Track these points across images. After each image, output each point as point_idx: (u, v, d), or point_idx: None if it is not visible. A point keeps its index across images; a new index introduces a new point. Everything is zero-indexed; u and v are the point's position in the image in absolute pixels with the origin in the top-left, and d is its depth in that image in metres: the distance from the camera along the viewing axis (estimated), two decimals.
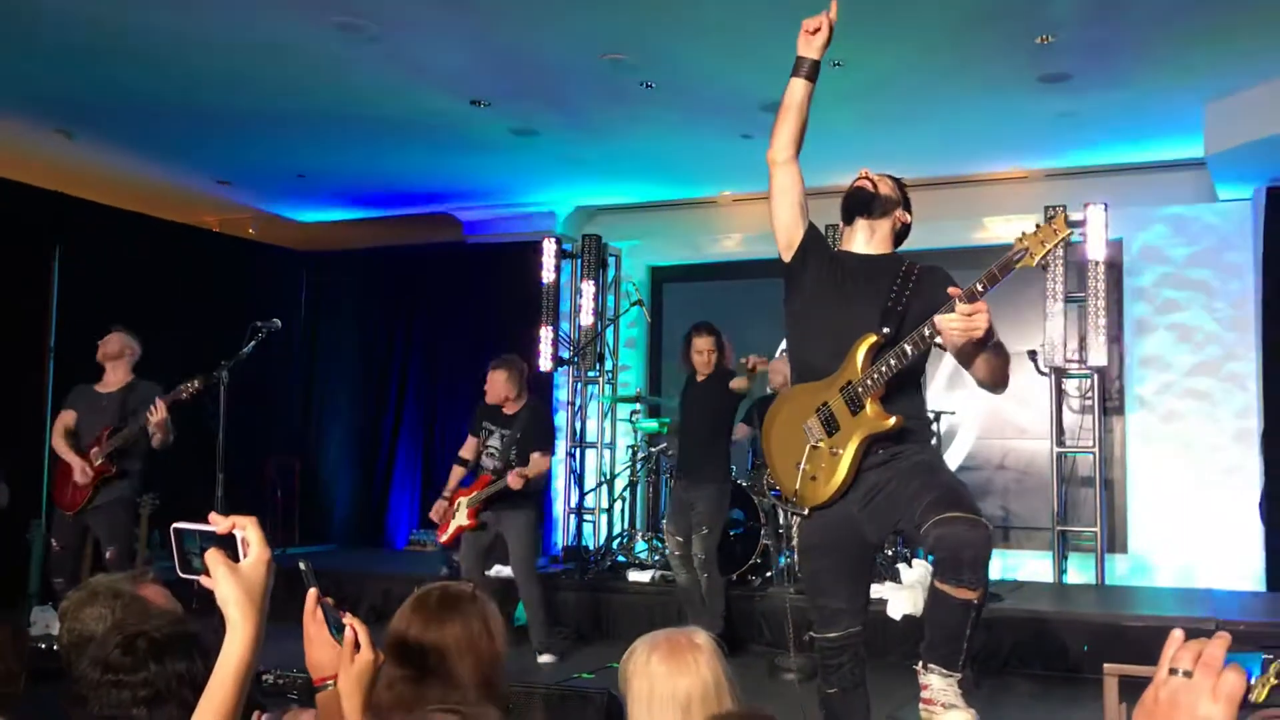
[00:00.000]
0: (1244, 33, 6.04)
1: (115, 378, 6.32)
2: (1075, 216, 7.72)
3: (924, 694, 3.10)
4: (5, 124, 7.75)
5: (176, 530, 1.62)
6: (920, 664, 3.12)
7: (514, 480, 5.97)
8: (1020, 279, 8.12)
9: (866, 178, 3.44)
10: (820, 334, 3.37)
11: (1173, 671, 1.17)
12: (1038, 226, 2.96)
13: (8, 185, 8.34)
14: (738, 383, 6.05)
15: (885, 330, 3.17)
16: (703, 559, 6.02)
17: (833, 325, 3.32)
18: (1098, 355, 7.68)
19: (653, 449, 8.10)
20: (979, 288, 2.97)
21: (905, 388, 3.26)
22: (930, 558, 3.16)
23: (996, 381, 3.21)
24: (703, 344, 6.24)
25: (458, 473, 6.45)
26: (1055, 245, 2.94)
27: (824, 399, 3.25)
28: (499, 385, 6.27)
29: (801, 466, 3.31)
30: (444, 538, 6.35)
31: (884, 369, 3.14)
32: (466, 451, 6.49)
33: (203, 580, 1.56)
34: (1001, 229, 8.73)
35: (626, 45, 6.33)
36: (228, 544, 1.57)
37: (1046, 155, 8.42)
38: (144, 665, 1.71)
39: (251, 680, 1.53)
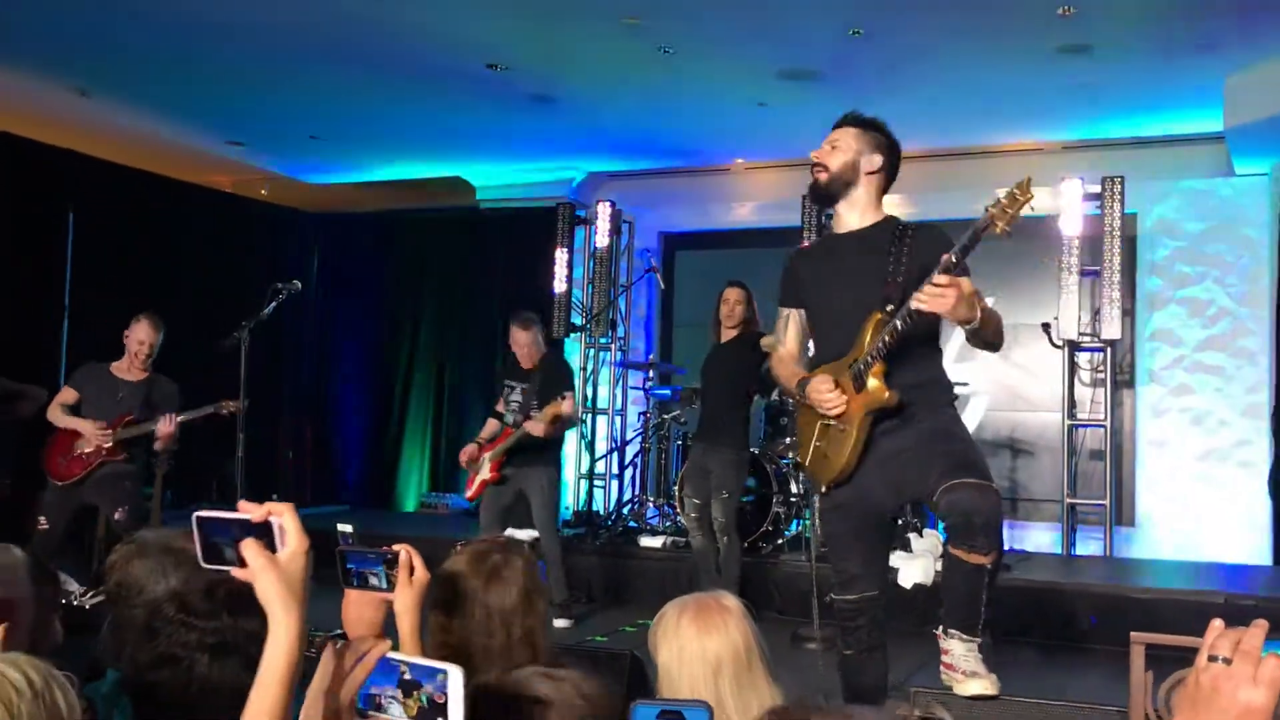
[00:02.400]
0: (1267, 5, 6.00)
1: (136, 366, 6.10)
2: (1092, 189, 7.72)
3: (945, 659, 3.15)
4: (21, 81, 7.74)
5: (200, 519, 1.49)
6: (940, 629, 3.17)
7: (533, 426, 5.99)
8: (1035, 254, 8.14)
9: (815, 164, 3.43)
10: (832, 322, 3.42)
11: (1212, 659, 1.19)
12: (1004, 195, 2.98)
13: (23, 143, 8.34)
14: (769, 340, 5.99)
15: (889, 307, 3.19)
16: (723, 523, 6.02)
17: (840, 310, 3.36)
18: (1111, 329, 7.68)
19: (665, 415, 8.12)
20: (951, 259, 3.00)
21: (915, 354, 3.28)
22: (942, 525, 3.21)
23: (988, 343, 3.26)
24: (731, 294, 6.21)
25: (492, 424, 6.44)
26: (1018, 212, 2.97)
27: (836, 378, 3.28)
28: (524, 341, 6.29)
29: (814, 444, 3.39)
30: (469, 492, 6.39)
31: (879, 345, 3.17)
32: (500, 406, 6.49)
33: (235, 573, 1.47)
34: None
35: (644, 9, 6.30)
36: (263, 533, 1.44)
37: (1064, 127, 8.38)
38: (218, 614, 1.72)
39: (299, 675, 1.46)
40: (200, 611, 1.71)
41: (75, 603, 5.24)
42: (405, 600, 1.86)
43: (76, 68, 7.51)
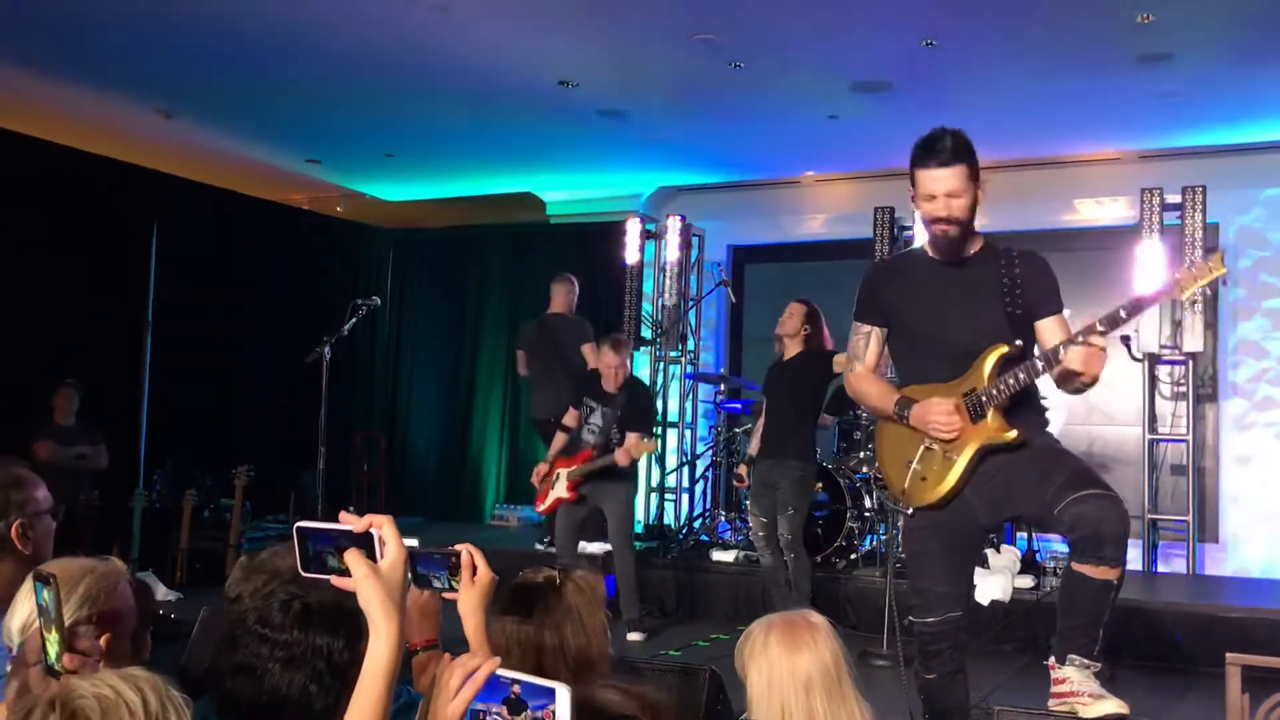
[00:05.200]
0: None
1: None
2: (1173, 199, 7.56)
3: (1058, 688, 3.04)
4: (108, 104, 7.96)
5: (301, 530, 1.56)
6: (1052, 659, 3.08)
7: (621, 456, 6.04)
8: (1113, 265, 8.00)
9: (946, 220, 3.19)
10: (929, 347, 3.31)
11: None
12: (1192, 262, 2.96)
13: (110, 163, 8.59)
14: (843, 358, 5.94)
15: (1018, 343, 3.13)
16: (789, 539, 5.98)
17: (949, 338, 3.25)
18: (1193, 341, 7.51)
19: (735, 429, 8.11)
20: (1122, 315, 2.95)
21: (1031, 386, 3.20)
22: (1066, 541, 3.11)
23: (1080, 389, 3.16)
24: (793, 308, 6.19)
25: (560, 439, 6.49)
26: (1206, 283, 2.90)
27: (955, 399, 3.18)
28: (614, 363, 6.30)
29: (913, 465, 3.27)
30: (542, 507, 6.44)
31: (1012, 382, 3.08)
32: (569, 420, 6.52)
33: (335, 581, 1.54)
34: (1093, 211, 8.59)
35: (716, 25, 6.31)
36: (365, 543, 1.51)
37: (1142, 136, 8.23)
38: (290, 628, 1.76)
39: (396, 678, 1.51)
40: (274, 624, 1.75)
41: (164, 613, 5.36)
42: (469, 600, 1.88)
43: (160, 90, 7.71)
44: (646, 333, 9.20)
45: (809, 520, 6.53)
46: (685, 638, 5.94)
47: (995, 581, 5.82)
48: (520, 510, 9.81)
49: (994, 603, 5.76)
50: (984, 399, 3.13)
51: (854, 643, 5.71)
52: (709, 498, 8.60)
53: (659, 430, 9.13)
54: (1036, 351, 3.18)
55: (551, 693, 1.45)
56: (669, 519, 8.77)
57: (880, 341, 3.42)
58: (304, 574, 1.57)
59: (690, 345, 9.47)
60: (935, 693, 3.31)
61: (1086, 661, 3.01)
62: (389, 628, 1.48)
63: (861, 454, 7.18)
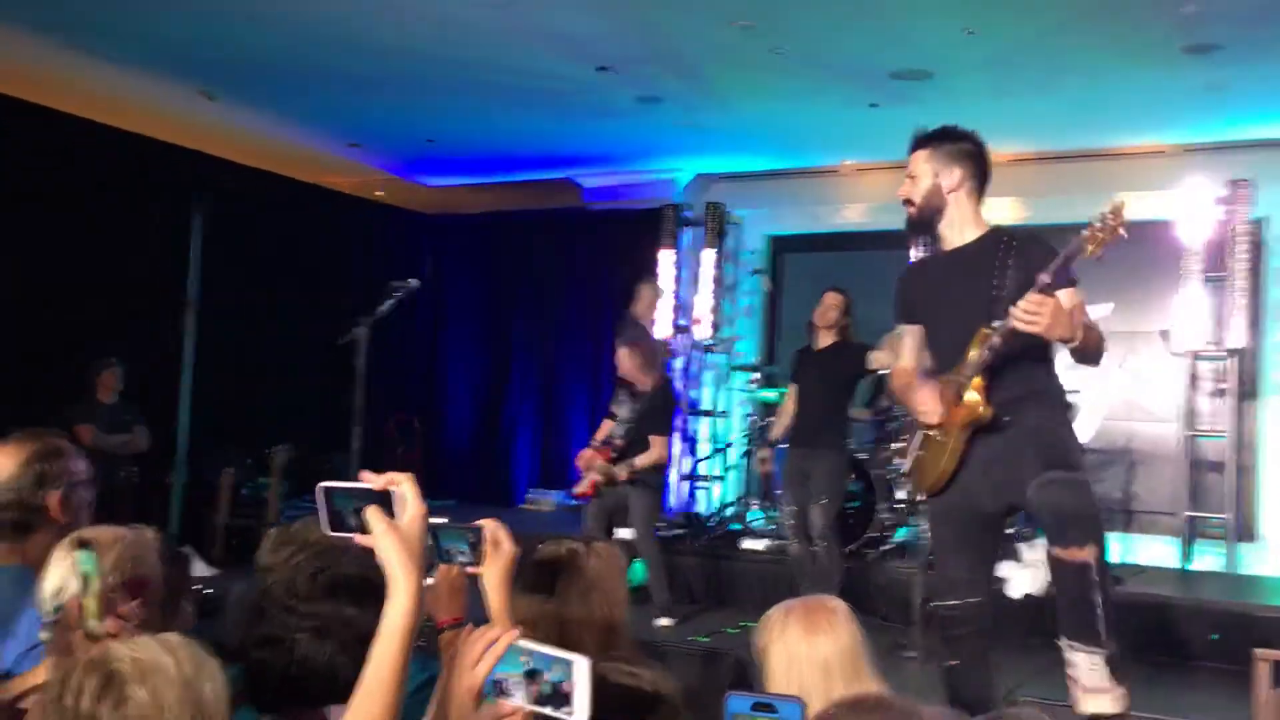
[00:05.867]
0: None
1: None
2: (1217, 193, 7.46)
3: (1069, 672, 3.07)
4: (150, 85, 8.04)
5: (325, 489, 1.59)
6: (1061, 640, 3.10)
7: (621, 472, 6.13)
8: (1156, 260, 7.92)
9: (905, 201, 3.42)
10: (942, 339, 3.42)
11: None
12: (1097, 219, 2.95)
13: (152, 144, 8.69)
14: (881, 356, 5.94)
15: (995, 324, 3.16)
16: (821, 528, 5.97)
17: (949, 328, 3.36)
18: (1236, 337, 7.41)
19: (769, 418, 8.09)
20: (1046, 279, 2.99)
21: (1022, 365, 3.24)
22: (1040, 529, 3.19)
23: (1087, 359, 3.21)
24: (827, 298, 6.19)
25: (607, 425, 6.55)
26: (1110, 237, 2.93)
27: (941, 389, 3.30)
28: (626, 362, 6.38)
29: (917, 453, 3.42)
30: (579, 489, 6.53)
31: (979, 360, 3.17)
32: (615, 406, 6.58)
33: (357, 539, 1.55)
34: (1136, 205, 8.43)
35: (756, 12, 6.28)
36: (384, 501, 1.53)
37: (1187, 128, 8.10)
38: (318, 599, 1.78)
39: (417, 634, 1.53)
40: (301, 595, 1.78)
41: (201, 589, 5.45)
42: (493, 575, 1.90)
43: (203, 72, 7.78)
44: (683, 321, 9.20)
45: (841, 511, 6.52)
46: (714, 625, 5.94)
47: (1028, 575, 5.79)
48: (553, 494, 9.86)
49: (1027, 596, 5.72)
50: (962, 379, 3.20)
51: (884, 635, 5.72)
52: (741, 486, 8.59)
53: (696, 419, 9.14)
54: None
55: (570, 664, 1.47)
56: (700, 507, 8.77)
57: (916, 340, 3.50)
58: (328, 532, 1.59)
59: (725, 334, 9.46)
60: (957, 679, 3.32)
61: (1090, 648, 3.01)
62: (407, 583, 1.50)
63: (894, 445, 7.14)
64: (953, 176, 3.34)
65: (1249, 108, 7.47)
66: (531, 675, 1.49)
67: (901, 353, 3.54)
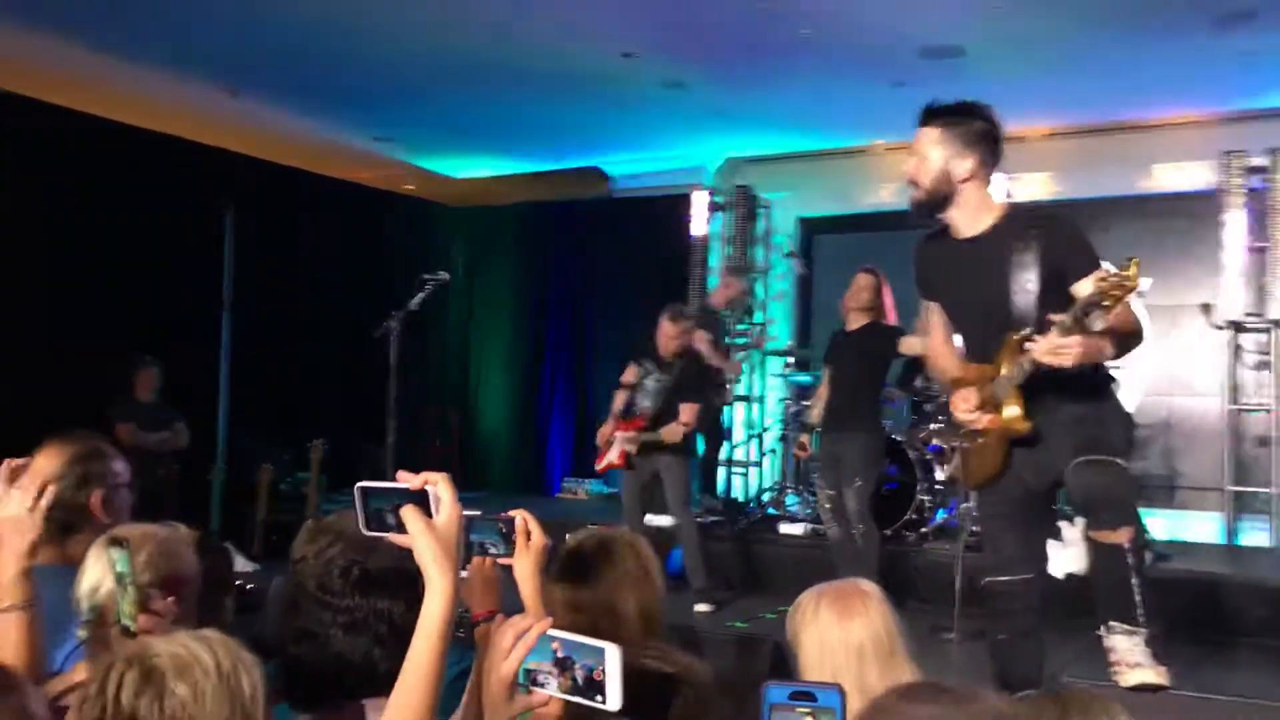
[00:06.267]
0: None
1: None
2: (1257, 162, 7.33)
3: (1110, 657, 3.04)
4: (175, 83, 8.08)
5: (362, 489, 1.60)
6: (1102, 628, 3.06)
7: (669, 435, 6.15)
8: (1193, 232, 7.80)
9: (910, 181, 3.24)
10: (964, 324, 3.37)
11: None
12: (1113, 278, 2.75)
13: (179, 143, 8.75)
14: (911, 341, 5.90)
15: (1027, 330, 3.06)
16: (858, 510, 5.93)
17: (970, 317, 3.31)
18: (1278, 308, 7.29)
19: (804, 402, 8.06)
20: (1067, 322, 2.85)
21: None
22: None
23: (1125, 353, 3.10)
24: (859, 279, 6.15)
25: (621, 397, 6.59)
26: (1124, 296, 2.75)
27: (979, 391, 3.22)
28: (674, 338, 6.41)
29: (961, 446, 3.40)
30: (599, 466, 6.60)
31: (1015, 374, 3.09)
32: (628, 376, 6.61)
33: (393, 538, 1.57)
34: (1171, 177, 8.34)
35: None
36: (420, 500, 1.55)
37: (1223, 98, 7.95)
38: (351, 593, 1.79)
39: (452, 631, 1.55)
40: (335, 590, 1.79)
41: (242, 584, 5.49)
42: (525, 566, 1.92)
43: (227, 69, 7.82)
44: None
45: (878, 493, 6.49)
46: (751, 610, 5.93)
47: (1070, 553, 5.70)
48: (588, 484, 9.86)
49: (1069, 575, 5.66)
50: (999, 391, 3.14)
51: (924, 617, 5.69)
52: (778, 471, 8.56)
53: (730, 404, 9.11)
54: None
55: (601, 652, 1.47)
56: (737, 492, 8.75)
57: (940, 313, 3.43)
58: (365, 532, 1.61)
59: (759, 318, 9.42)
60: (1005, 654, 3.30)
61: (1131, 628, 2.98)
62: (444, 582, 1.52)
63: (931, 426, 7.09)
64: (965, 165, 3.14)
65: None
66: (563, 664, 1.49)
67: (931, 329, 3.48)
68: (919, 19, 6.57)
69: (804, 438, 6.72)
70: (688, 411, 6.28)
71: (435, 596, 1.52)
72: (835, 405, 6.17)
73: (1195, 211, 7.70)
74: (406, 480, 1.57)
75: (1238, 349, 7.71)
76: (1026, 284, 3.09)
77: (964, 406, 3.20)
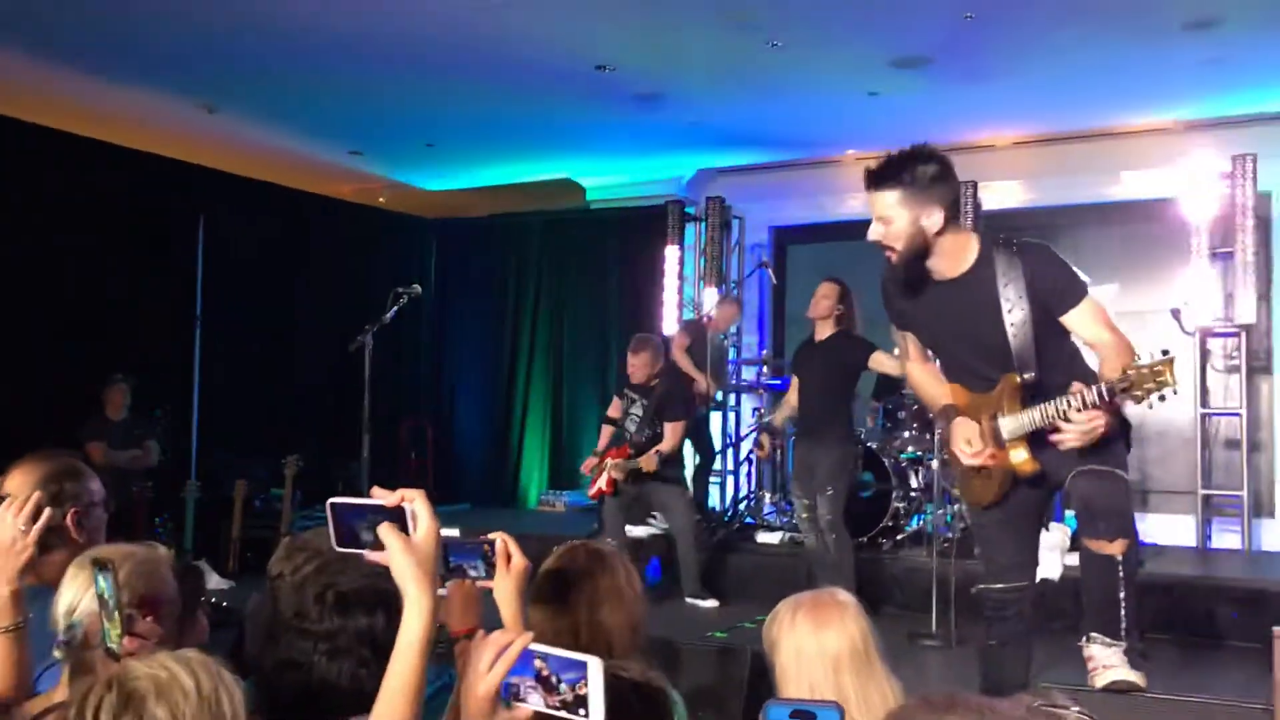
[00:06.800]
0: None
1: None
2: (1222, 169, 7.43)
3: (1089, 664, 3.07)
4: (152, 100, 8.06)
5: (335, 505, 1.58)
6: (1083, 640, 3.09)
7: (646, 463, 6.22)
8: (1161, 237, 7.87)
9: (883, 248, 3.14)
10: (949, 359, 3.36)
11: None
12: (1148, 367, 2.80)
13: (154, 159, 8.71)
14: (881, 358, 5.95)
15: (1027, 376, 3.09)
16: (830, 520, 5.96)
17: (958, 354, 3.30)
18: (1245, 313, 7.38)
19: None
20: (1092, 398, 2.90)
21: (1060, 357, 3.19)
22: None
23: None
24: (824, 290, 6.17)
25: (607, 432, 6.68)
26: (1156, 389, 2.79)
27: (975, 418, 3.21)
28: (641, 367, 6.51)
29: (965, 467, 3.33)
30: (591, 491, 6.63)
31: (1022, 424, 3.09)
32: (613, 411, 6.73)
33: (369, 555, 1.56)
34: (1139, 184, 8.44)
35: (753, 6, 6.27)
36: (396, 518, 1.53)
37: (1189, 105, 8.06)
38: (329, 617, 1.78)
39: (432, 648, 1.55)
40: (312, 616, 1.78)
41: (216, 601, 5.44)
42: (505, 588, 1.92)
43: (204, 85, 7.80)
44: (689, 315, 9.19)
45: (854, 500, 6.52)
46: (730, 619, 5.93)
47: (1046, 560, 5.76)
48: (565, 496, 9.85)
49: (1044, 580, 5.70)
50: (1005, 437, 3.14)
51: (902, 623, 5.72)
52: (753, 480, 8.58)
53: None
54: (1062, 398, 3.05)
55: (583, 665, 1.46)
56: (714, 501, 8.77)
57: (917, 341, 3.43)
58: (338, 548, 1.59)
59: (733, 328, 9.44)
60: (994, 660, 3.32)
61: (1110, 640, 3.01)
62: (422, 599, 1.51)
63: (906, 434, 7.13)
64: (935, 218, 3.04)
65: (1251, 82, 7.43)
66: (545, 679, 1.49)
67: (906, 349, 3.47)
68: (889, 29, 6.63)
69: (764, 437, 6.78)
70: (672, 431, 6.36)
71: (414, 613, 1.51)
72: (805, 415, 6.20)
73: (1163, 218, 7.79)
74: (382, 497, 1.56)
75: (1207, 354, 7.80)
76: (1019, 322, 3.08)
77: (969, 451, 3.16)
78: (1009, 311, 3.07)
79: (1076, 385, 2.93)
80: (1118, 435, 3.20)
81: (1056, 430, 3.01)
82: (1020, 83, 7.48)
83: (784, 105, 8.13)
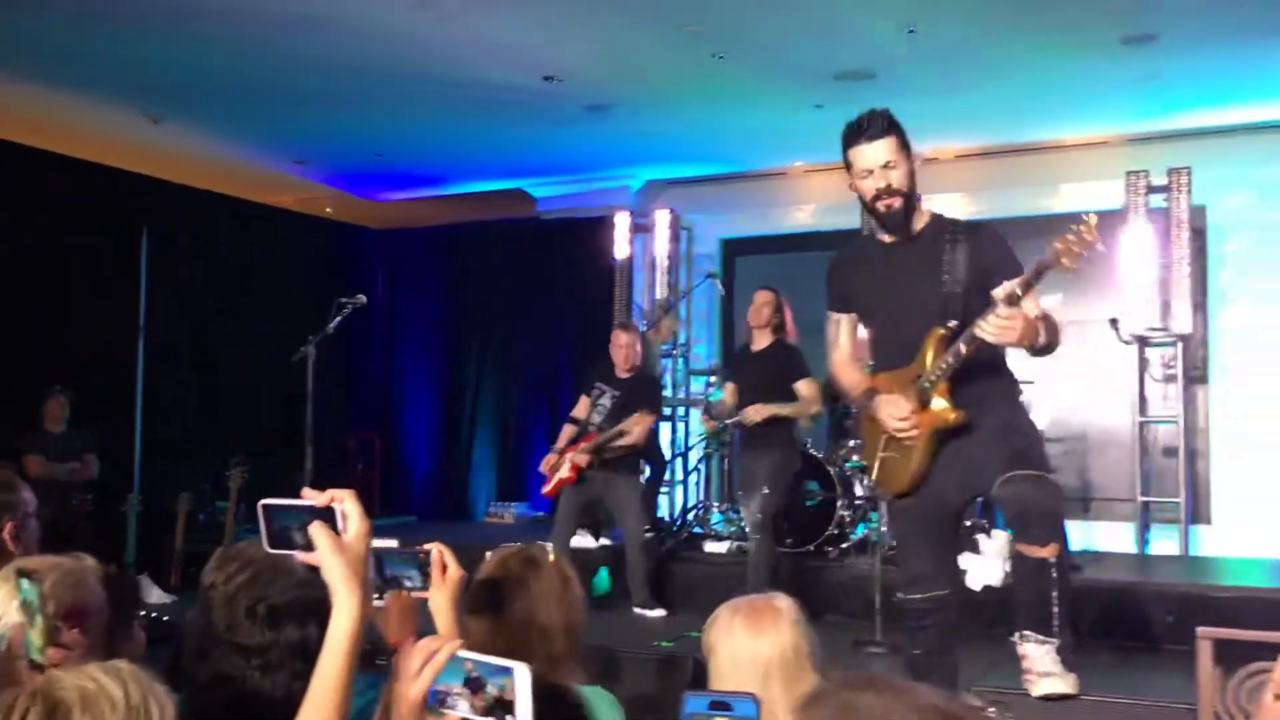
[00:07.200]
0: None
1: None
2: (1158, 182, 7.59)
3: (1023, 664, 3.11)
4: (96, 110, 7.96)
5: (266, 506, 1.59)
6: (1016, 636, 3.13)
7: (629, 424, 6.16)
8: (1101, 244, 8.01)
9: (886, 191, 3.25)
10: (890, 330, 3.42)
11: (1278, 698, 1.14)
12: (1071, 233, 2.94)
13: (98, 170, 8.59)
14: (801, 393, 6.02)
15: (951, 323, 3.18)
16: (757, 519, 5.96)
17: (899, 320, 3.35)
18: (1182, 323, 7.54)
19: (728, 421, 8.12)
20: (1016, 292, 2.99)
21: (980, 359, 3.24)
22: (1003, 521, 3.22)
23: (1038, 354, 3.22)
24: (758, 296, 6.21)
25: (568, 430, 6.56)
26: (1085, 250, 2.93)
27: (900, 390, 3.27)
28: (627, 346, 6.43)
29: (880, 454, 3.38)
30: (546, 489, 6.53)
31: (943, 367, 3.17)
32: (579, 411, 6.60)
33: (300, 556, 1.56)
34: (1079, 196, 8.58)
35: (699, 18, 6.31)
36: (327, 518, 1.55)
37: (1128, 119, 8.22)
38: (262, 631, 1.78)
39: (361, 648, 1.55)
40: (244, 631, 1.77)
41: (157, 615, 5.36)
42: (440, 599, 1.91)
43: (148, 96, 7.71)
44: (639, 326, 9.20)
45: (800, 509, 6.57)
46: (677, 629, 5.93)
47: (987, 566, 5.84)
48: (514, 507, 9.82)
49: (986, 587, 5.78)
50: (927, 385, 3.20)
51: (847, 631, 5.75)
52: (702, 490, 8.60)
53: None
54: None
55: (510, 672, 1.47)
56: (663, 511, 8.78)
57: (851, 327, 3.50)
58: (269, 550, 1.60)
59: (683, 338, 9.48)
60: (920, 669, 3.35)
61: (1043, 638, 3.06)
62: (352, 599, 1.51)
63: (852, 442, 7.19)
64: (915, 163, 3.28)
65: (1188, 96, 7.60)
66: (473, 685, 1.49)
67: (838, 342, 3.53)
68: (833, 43, 6.71)
69: (704, 417, 6.81)
70: (642, 421, 6.29)
71: (343, 613, 1.51)
72: (746, 428, 6.22)
73: (1102, 230, 7.92)
74: (312, 497, 1.56)
75: (1145, 362, 7.94)
76: (955, 284, 3.20)
77: (897, 415, 3.22)
78: (947, 274, 3.20)
79: (997, 291, 3.01)
80: (1035, 434, 3.33)
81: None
82: (963, 97, 7.59)
83: (731, 117, 8.18)
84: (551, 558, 2.29)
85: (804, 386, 6.05)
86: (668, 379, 9.41)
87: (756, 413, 6.02)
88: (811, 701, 1.33)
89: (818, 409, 6.23)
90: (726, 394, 6.47)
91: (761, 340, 6.20)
